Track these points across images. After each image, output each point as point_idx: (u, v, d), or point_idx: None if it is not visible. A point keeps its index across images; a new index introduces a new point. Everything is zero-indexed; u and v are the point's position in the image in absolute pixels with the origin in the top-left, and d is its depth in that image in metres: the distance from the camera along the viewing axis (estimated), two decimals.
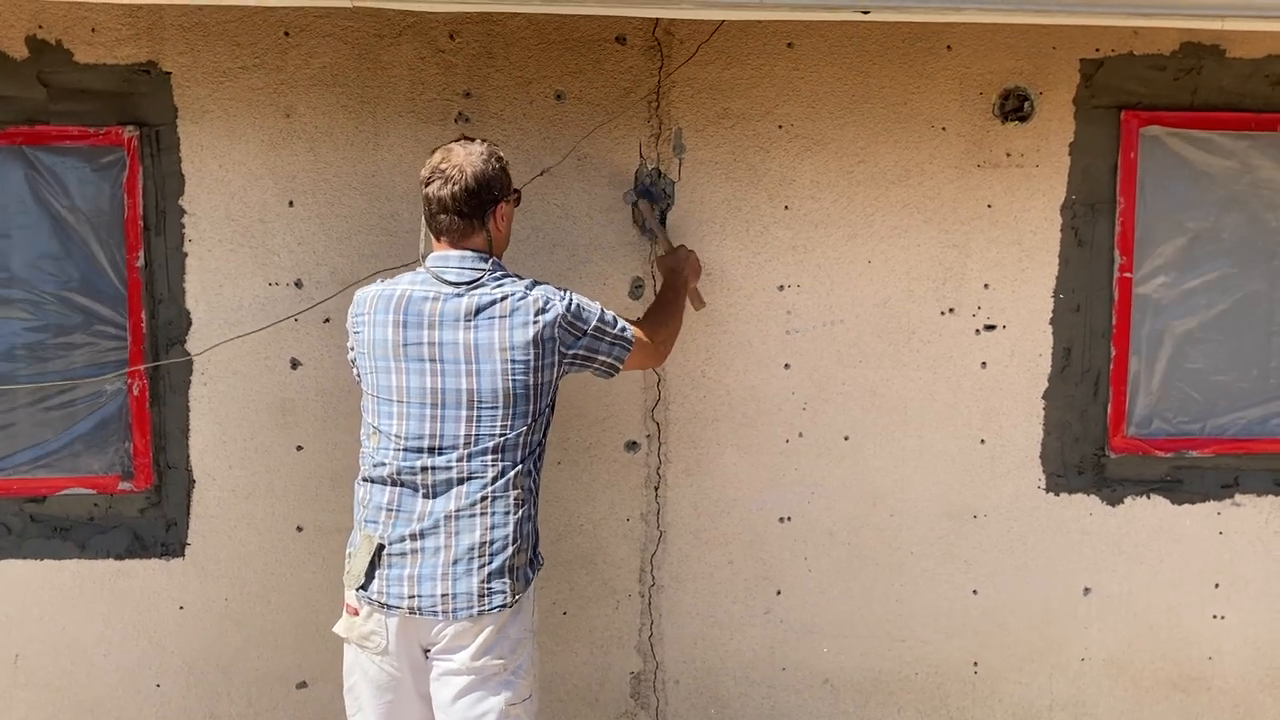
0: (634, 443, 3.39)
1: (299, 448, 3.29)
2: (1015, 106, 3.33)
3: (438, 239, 2.66)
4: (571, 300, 2.65)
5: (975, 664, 3.56)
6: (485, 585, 2.54)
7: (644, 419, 3.38)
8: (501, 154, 2.67)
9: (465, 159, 2.60)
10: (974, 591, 3.52)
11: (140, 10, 3.12)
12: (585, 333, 2.66)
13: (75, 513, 3.28)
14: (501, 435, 2.56)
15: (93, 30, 3.12)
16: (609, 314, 2.72)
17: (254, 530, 3.32)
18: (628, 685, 3.48)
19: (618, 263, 3.32)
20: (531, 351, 2.56)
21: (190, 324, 3.24)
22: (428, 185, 2.61)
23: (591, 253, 3.29)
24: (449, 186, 2.58)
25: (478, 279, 2.59)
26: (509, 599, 2.56)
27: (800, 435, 3.42)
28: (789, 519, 3.45)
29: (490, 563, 2.55)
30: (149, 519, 3.29)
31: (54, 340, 3.25)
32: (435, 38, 3.20)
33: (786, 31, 3.27)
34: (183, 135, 3.18)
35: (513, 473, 2.58)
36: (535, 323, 2.56)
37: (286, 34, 3.17)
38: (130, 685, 3.35)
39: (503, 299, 2.57)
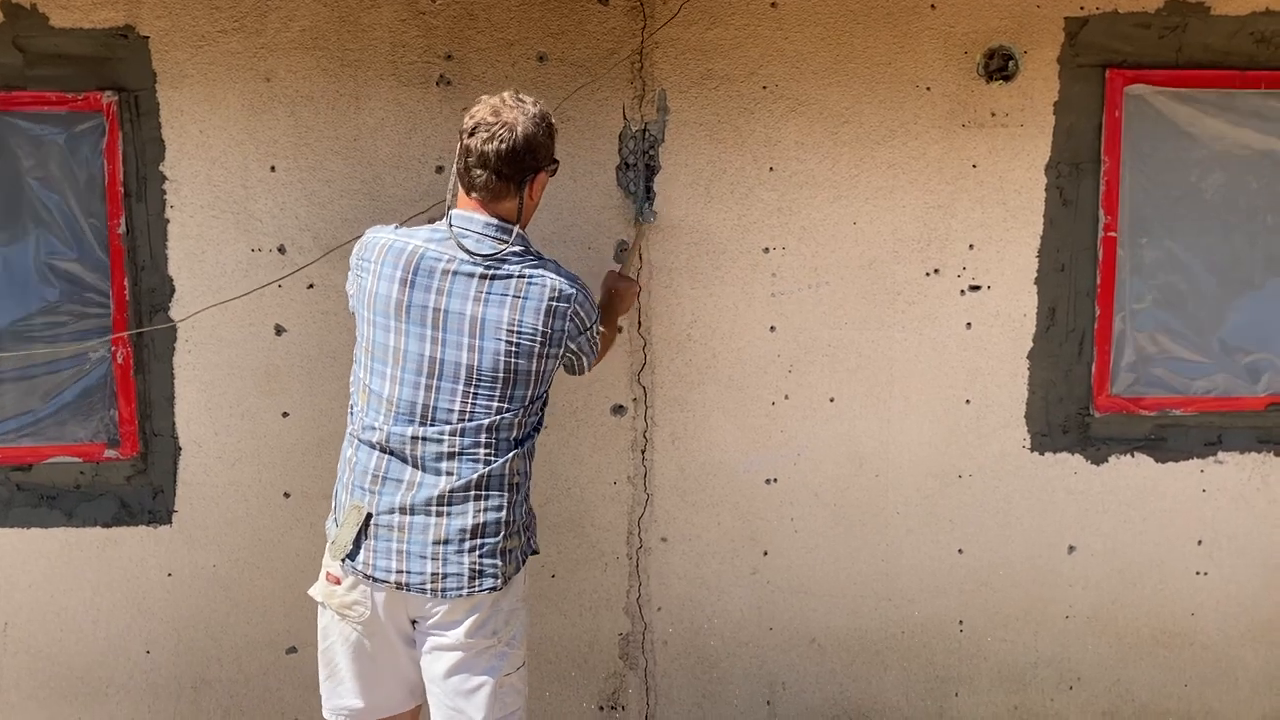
0: (620, 406, 3.39)
1: (285, 414, 3.29)
2: (1000, 66, 3.32)
3: (468, 193, 2.53)
4: (585, 295, 2.61)
5: (960, 622, 3.59)
6: (476, 567, 2.50)
7: (630, 383, 3.39)
8: (553, 120, 2.57)
9: (518, 118, 2.47)
10: (959, 551, 3.55)
11: None
12: (586, 329, 2.64)
13: (62, 481, 3.28)
14: (498, 415, 2.51)
15: None
16: (598, 322, 2.72)
17: (241, 497, 3.32)
18: (616, 647, 3.50)
19: (603, 226, 3.31)
20: (539, 336, 2.52)
21: (173, 291, 3.22)
22: (471, 135, 2.47)
23: (576, 215, 3.28)
24: (494, 143, 2.45)
25: (497, 251, 2.50)
26: (499, 581, 2.53)
27: (786, 397, 3.43)
28: (775, 480, 3.46)
29: (482, 546, 2.51)
30: (135, 486, 3.29)
31: (37, 308, 3.23)
32: None
33: None
34: (162, 100, 3.16)
35: (509, 455, 2.54)
36: (549, 309, 2.52)
37: None
38: (119, 652, 3.36)
39: (520, 277, 2.50)
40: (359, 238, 2.64)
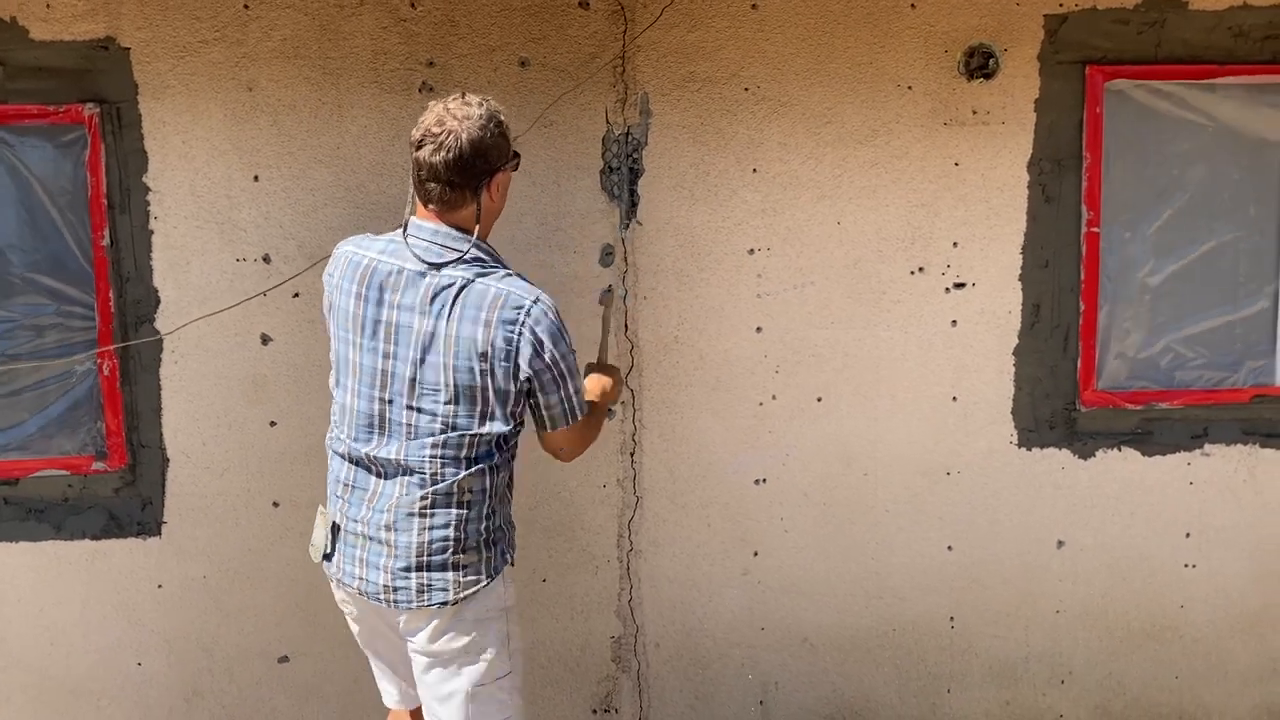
0: (609, 409, 3.39)
1: (272, 423, 3.29)
2: (980, 64, 3.33)
3: (424, 205, 2.44)
4: (549, 314, 2.41)
5: (951, 619, 3.60)
6: (424, 582, 2.45)
7: None
8: (503, 117, 2.44)
9: (462, 124, 2.36)
10: (949, 547, 3.56)
11: None
12: (552, 364, 2.42)
13: (50, 494, 3.27)
14: (444, 432, 2.42)
15: (47, 6, 3.08)
16: (578, 372, 2.51)
17: (230, 507, 3.31)
18: (608, 650, 3.50)
19: (587, 230, 3.31)
20: (479, 348, 2.37)
21: (159, 302, 3.22)
22: (419, 148, 2.38)
23: (560, 220, 3.28)
24: (442, 154, 2.35)
25: (449, 260, 2.40)
26: (451, 595, 2.45)
27: (773, 398, 3.44)
28: (764, 481, 3.47)
29: (428, 564, 2.44)
30: (124, 498, 3.29)
31: (22, 322, 3.22)
32: (396, 6, 3.17)
33: None
34: (144, 111, 3.15)
35: (461, 473, 2.43)
36: (492, 320, 2.37)
37: (246, 7, 3.14)
38: (111, 665, 3.35)
39: (464, 286, 2.38)
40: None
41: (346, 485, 2.53)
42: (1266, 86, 3.50)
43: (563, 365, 2.45)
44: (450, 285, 2.39)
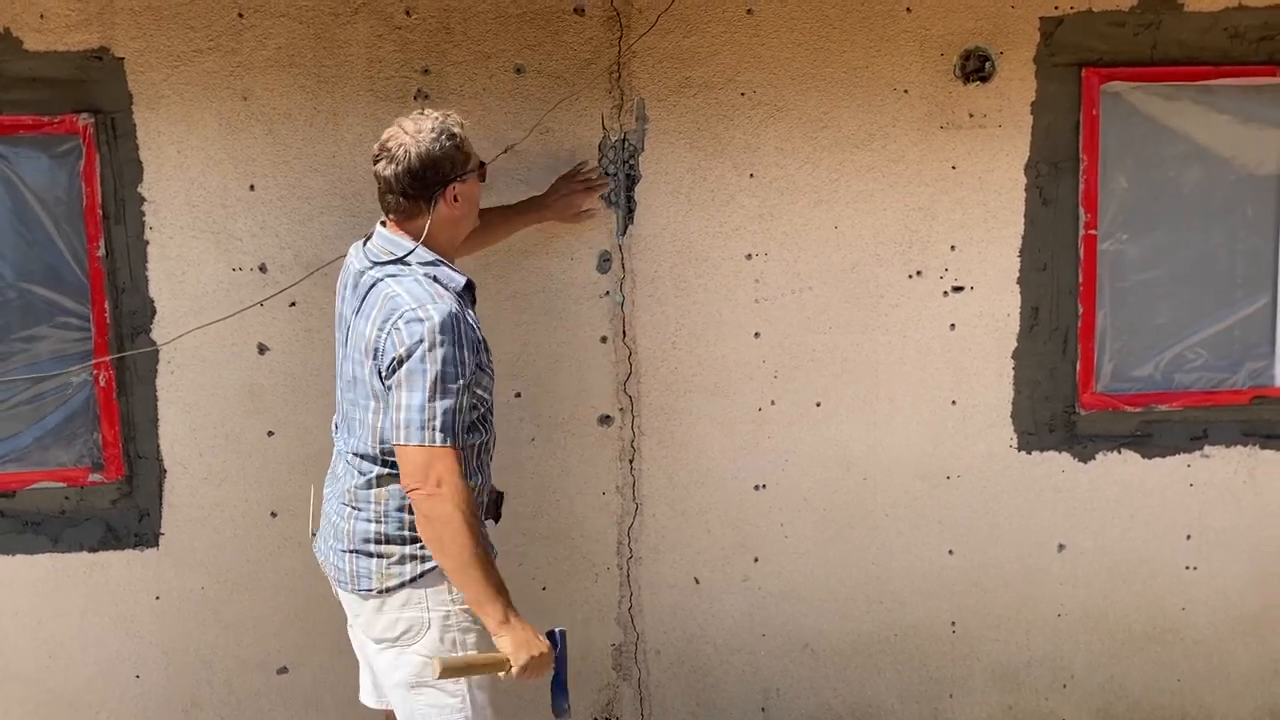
0: (607, 416, 3.38)
1: (270, 433, 3.27)
2: (976, 67, 3.33)
3: (386, 215, 2.56)
4: (419, 319, 2.36)
5: (953, 624, 3.59)
6: (353, 568, 2.54)
7: (616, 392, 3.38)
8: (457, 129, 2.49)
9: (412, 137, 2.45)
10: (949, 552, 3.55)
11: None
12: (397, 363, 2.37)
13: (46, 506, 3.25)
14: (362, 430, 2.51)
15: (41, 16, 3.07)
16: (424, 390, 2.36)
17: (228, 518, 3.30)
18: (609, 658, 3.49)
19: (584, 237, 3.30)
20: (368, 347, 2.43)
21: (155, 313, 3.20)
22: (375, 162, 2.50)
23: (557, 227, 3.27)
24: (392, 166, 2.45)
25: (385, 261, 2.49)
26: (375, 585, 2.50)
27: (772, 403, 3.43)
28: (764, 487, 3.46)
29: (355, 552, 2.53)
30: (121, 510, 3.27)
31: (17, 333, 3.21)
32: (391, 14, 3.16)
33: None
34: (139, 121, 3.14)
35: (375, 473, 2.51)
36: (376, 320, 2.41)
37: (240, 15, 3.13)
38: (109, 677, 3.33)
39: (375, 285, 2.46)
40: (343, 256, 2.71)
41: (330, 470, 2.69)
42: (1263, 88, 3.50)
43: (410, 372, 2.36)
44: (373, 282, 2.49)
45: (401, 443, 2.38)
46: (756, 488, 3.46)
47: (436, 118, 2.50)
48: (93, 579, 3.29)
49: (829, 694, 3.57)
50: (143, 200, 3.17)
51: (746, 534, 3.47)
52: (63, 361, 3.22)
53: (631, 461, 3.41)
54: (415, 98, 3.18)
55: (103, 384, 3.22)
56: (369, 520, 2.53)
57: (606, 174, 3.27)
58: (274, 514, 3.30)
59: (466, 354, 2.40)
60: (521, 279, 3.29)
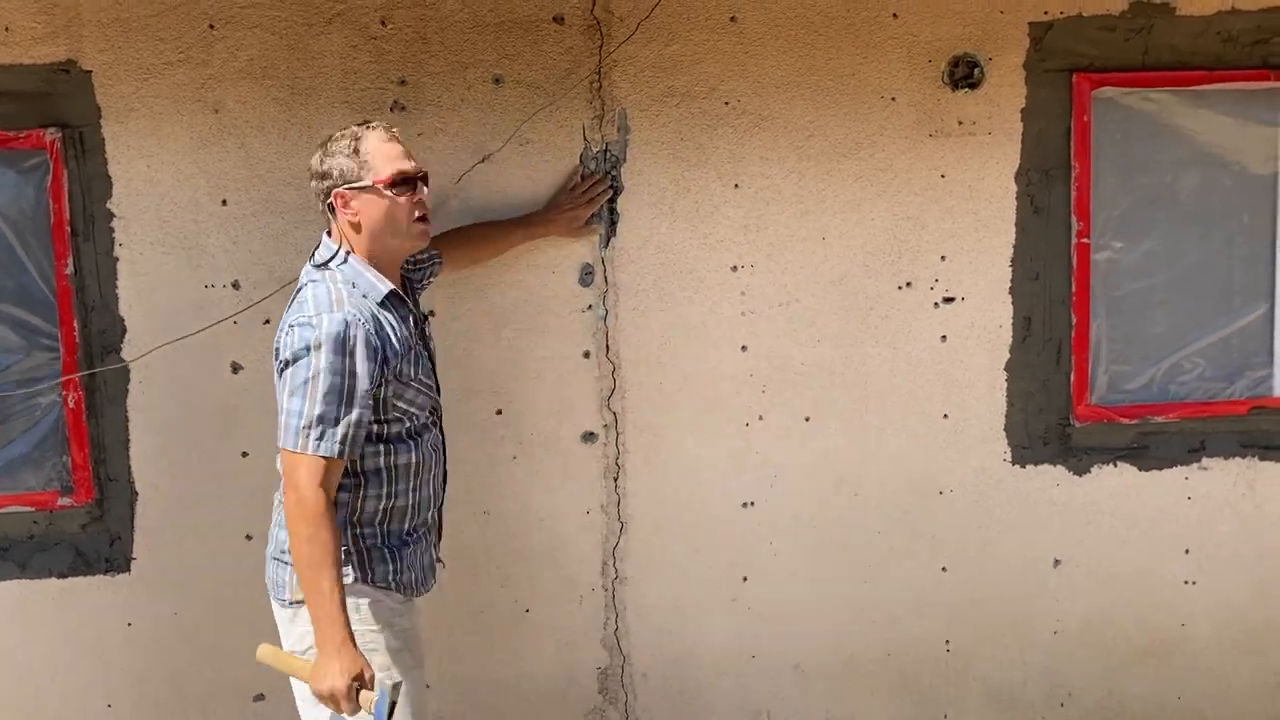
0: (591, 433, 3.31)
1: (244, 454, 3.19)
2: (965, 74, 3.27)
3: None
4: (307, 327, 2.35)
5: (947, 642, 3.51)
6: (275, 575, 2.58)
7: (600, 409, 3.30)
8: (352, 140, 2.47)
9: (321, 146, 2.54)
10: (943, 568, 3.47)
11: (56, 7, 3.00)
12: (281, 368, 2.40)
13: (14, 531, 3.17)
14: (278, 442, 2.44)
15: (6, 29, 2.99)
16: (318, 405, 2.32)
17: (202, 541, 3.21)
18: (595, 681, 3.41)
19: (565, 250, 3.23)
20: (274, 355, 2.47)
21: (125, 331, 3.12)
22: None
23: (536, 239, 3.20)
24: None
25: (316, 265, 2.53)
26: (287, 595, 2.53)
27: (760, 418, 3.35)
28: (752, 504, 3.38)
29: (271, 560, 2.60)
30: (91, 534, 3.19)
31: None
32: (367, 24, 3.09)
33: (729, 4, 3.19)
34: (107, 136, 3.06)
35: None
36: (281, 329, 2.45)
37: (211, 27, 3.05)
38: (80, 707, 3.24)
39: (300, 290, 2.49)
40: None
41: None
42: (1256, 92, 3.45)
43: (291, 377, 2.36)
44: (299, 289, 2.52)
45: (279, 446, 2.40)
46: (744, 505, 3.38)
47: (344, 129, 2.54)
48: (63, 606, 3.20)
49: (821, 716, 3.49)
50: (112, 216, 3.09)
51: (735, 553, 3.40)
52: (31, 383, 3.14)
53: (616, 479, 3.34)
54: (391, 109, 3.11)
55: (72, 405, 3.14)
56: (282, 529, 2.52)
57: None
58: (249, 537, 3.22)
59: (360, 364, 2.35)
60: (501, 293, 3.22)
